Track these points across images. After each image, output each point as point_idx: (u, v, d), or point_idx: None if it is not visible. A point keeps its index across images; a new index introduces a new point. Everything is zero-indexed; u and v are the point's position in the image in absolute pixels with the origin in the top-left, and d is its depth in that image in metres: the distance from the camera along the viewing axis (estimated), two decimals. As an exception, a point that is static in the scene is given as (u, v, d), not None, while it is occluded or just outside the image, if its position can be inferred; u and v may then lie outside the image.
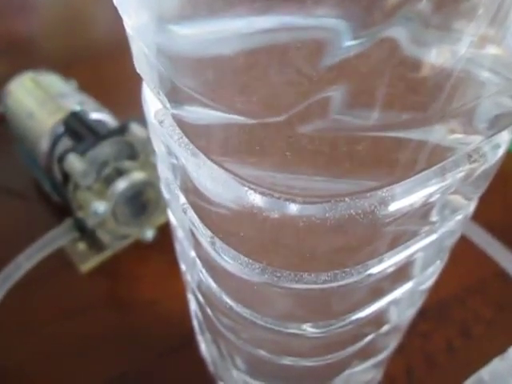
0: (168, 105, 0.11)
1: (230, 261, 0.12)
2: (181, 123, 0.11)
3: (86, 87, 0.38)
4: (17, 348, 0.29)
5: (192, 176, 0.11)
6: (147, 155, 0.31)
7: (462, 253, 0.21)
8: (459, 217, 0.15)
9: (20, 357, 0.28)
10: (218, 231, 0.12)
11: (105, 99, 0.37)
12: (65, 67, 0.41)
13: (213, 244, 0.12)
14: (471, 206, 0.15)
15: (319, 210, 0.09)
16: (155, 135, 0.13)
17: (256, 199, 0.10)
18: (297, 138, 0.09)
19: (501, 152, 0.13)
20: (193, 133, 0.11)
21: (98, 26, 0.62)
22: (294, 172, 0.10)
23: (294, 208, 0.09)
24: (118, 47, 0.54)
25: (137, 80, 0.13)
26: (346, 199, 0.09)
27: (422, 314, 0.21)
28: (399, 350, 0.23)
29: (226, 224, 0.11)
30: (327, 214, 0.09)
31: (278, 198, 0.09)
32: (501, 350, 0.18)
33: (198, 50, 0.09)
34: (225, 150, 0.10)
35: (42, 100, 0.35)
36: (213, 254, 0.12)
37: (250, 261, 0.11)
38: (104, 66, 0.50)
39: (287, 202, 0.09)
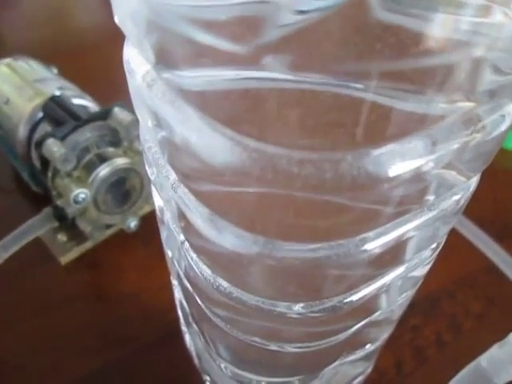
0: (158, 67, 0.10)
1: (224, 236, 0.11)
2: (173, 87, 0.10)
3: (68, 77, 0.37)
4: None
5: (183, 145, 0.10)
6: (131, 142, 0.30)
7: (453, 247, 0.20)
8: (456, 197, 0.14)
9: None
10: (211, 205, 0.11)
11: (88, 89, 0.36)
12: (46, 57, 0.39)
13: (210, 220, 0.11)
14: (468, 189, 0.15)
15: (318, 170, 0.09)
16: (141, 104, 0.12)
17: (250, 159, 0.09)
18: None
19: (504, 126, 0.12)
20: (186, 98, 0.10)
21: (80, 15, 0.61)
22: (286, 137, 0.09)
23: (289, 166, 0.09)
24: (102, 37, 0.53)
25: (121, 70, 0.13)
26: (348, 157, 0.09)
27: (412, 308, 0.21)
28: (389, 344, 0.23)
29: (219, 196, 0.11)
30: (326, 175, 0.09)
31: (272, 156, 0.09)
32: (490, 344, 0.18)
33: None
34: (219, 117, 0.10)
35: (19, 85, 0.34)
36: (207, 231, 0.11)
37: (247, 234, 0.11)
38: (87, 56, 0.49)
39: (282, 160, 0.09)
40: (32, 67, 0.37)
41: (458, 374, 0.16)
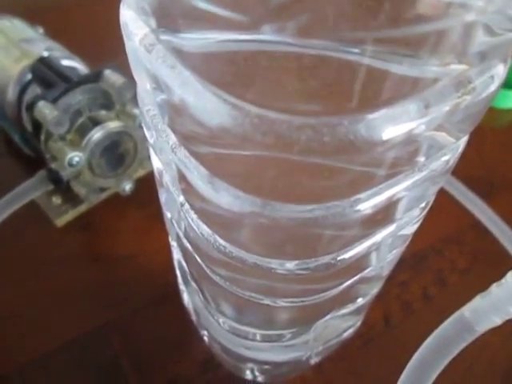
0: (157, 29, 0.10)
1: (223, 197, 0.11)
2: (172, 50, 0.10)
3: (53, 37, 0.36)
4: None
5: (183, 108, 0.11)
6: (124, 105, 0.29)
7: (440, 205, 0.21)
8: (445, 158, 0.15)
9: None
10: (211, 167, 0.11)
11: (75, 49, 0.35)
12: (30, 15, 0.38)
13: (210, 182, 0.12)
14: (457, 150, 0.15)
15: (316, 134, 0.09)
16: (139, 67, 0.12)
17: (252, 124, 0.09)
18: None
19: (493, 87, 0.12)
20: (185, 60, 0.10)
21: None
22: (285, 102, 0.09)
23: (290, 131, 0.09)
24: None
25: (110, 30, 0.12)
26: (344, 122, 0.09)
27: (400, 264, 0.21)
28: (377, 299, 0.24)
29: (219, 158, 0.11)
30: (324, 139, 0.09)
31: (272, 122, 0.09)
32: (474, 297, 0.19)
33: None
34: (218, 80, 0.10)
35: (5, 46, 0.33)
36: (207, 193, 0.12)
37: (246, 195, 0.11)
38: (74, 15, 0.47)
39: (283, 125, 0.09)
40: (16, 26, 0.36)
41: (443, 323, 0.17)
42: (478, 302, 0.16)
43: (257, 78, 0.10)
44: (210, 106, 0.10)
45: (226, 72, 0.10)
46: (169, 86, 0.11)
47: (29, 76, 0.31)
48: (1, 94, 0.32)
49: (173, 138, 0.13)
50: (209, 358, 0.26)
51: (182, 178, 0.13)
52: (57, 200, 0.32)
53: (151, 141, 0.15)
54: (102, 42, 0.35)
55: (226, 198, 0.12)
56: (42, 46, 0.33)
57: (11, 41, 0.33)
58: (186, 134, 0.12)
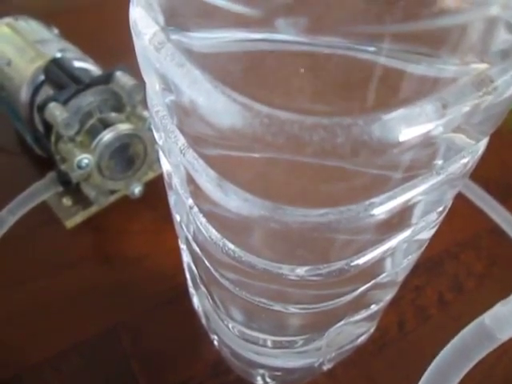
0: (167, 28, 0.10)
1: (233, 200, 0.11)
2: (182, 50, 0.10)
3: (68, 38, 0.36)
4: (3, 303, 0.28)
5: (192, 109, 0.10)
6: (134, 107, 0.29)
7: (457, 209, 0.20)
8: (464, 160, 0.14)
9: (7, 312, 0.28)
10: (220, 169, 0.11)
11: (89, 50, 0.35)
12: (46, 16, 0.38)
13: (219, 185, 0.11)
14: (477, 152, 0.15)
15: (329, 135, 0.09)
16: (149, 67, 0.12)
17: (262, 125, 0.09)
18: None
19: None
20: (195, 60, 0.10)
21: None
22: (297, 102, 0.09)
23: (301, 131, 0.09)
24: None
25: (124, 31, 0.12)
26: (359, 122, 0.09)
27: (415, 269, 0.21)
28: (392, 304, 0.23)
29: (228, 160, 0.11)
30: (338, 140, 0.08)
31: (283, 122, 0.09)
32: (491, 303, 0.18)
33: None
34: (228, 80, 0.10)
35: (21, 47, 0.33)
36: (216, 195, 0.12)
37: (256, 198, 0.11)
38: (89, 16, 0.47)
39: (294, 125, 0.08)
40: (32, 27, 0.36)
41: (462, 330, 0.16)
42: (499, 309, 0.15)
43: (268, 77, 0.09)
44: (220, 106, 0.09)
45: (236, 72, 0.10)
46: (178, 86, 0.11)
47: (42, 77, 0.31)
48: (15, 95, 0.32)
49: (181, 140, 0.13)
50: (219, 362, 0.26)
51: (191, 180, 0.13)
52: (67, 201, 0.32)
53: (160, 142, 0.15)
54: (116, 44, 0.35)
55: (235, 201, 0.11)
56: (56, 47, 0.33)
57: (27, 42, 0.34)
58: (195, 135, 0.12)
